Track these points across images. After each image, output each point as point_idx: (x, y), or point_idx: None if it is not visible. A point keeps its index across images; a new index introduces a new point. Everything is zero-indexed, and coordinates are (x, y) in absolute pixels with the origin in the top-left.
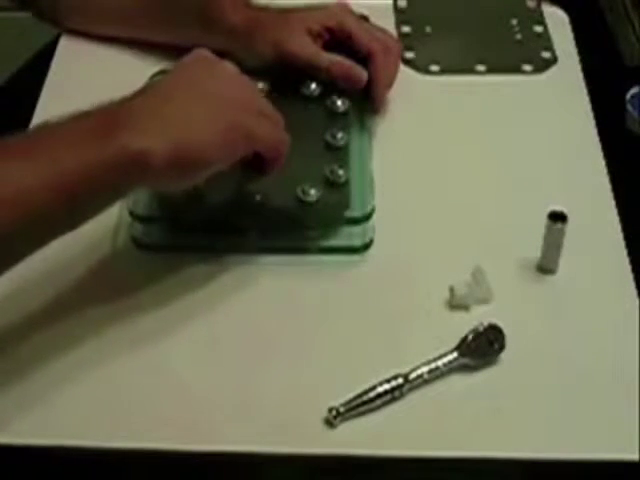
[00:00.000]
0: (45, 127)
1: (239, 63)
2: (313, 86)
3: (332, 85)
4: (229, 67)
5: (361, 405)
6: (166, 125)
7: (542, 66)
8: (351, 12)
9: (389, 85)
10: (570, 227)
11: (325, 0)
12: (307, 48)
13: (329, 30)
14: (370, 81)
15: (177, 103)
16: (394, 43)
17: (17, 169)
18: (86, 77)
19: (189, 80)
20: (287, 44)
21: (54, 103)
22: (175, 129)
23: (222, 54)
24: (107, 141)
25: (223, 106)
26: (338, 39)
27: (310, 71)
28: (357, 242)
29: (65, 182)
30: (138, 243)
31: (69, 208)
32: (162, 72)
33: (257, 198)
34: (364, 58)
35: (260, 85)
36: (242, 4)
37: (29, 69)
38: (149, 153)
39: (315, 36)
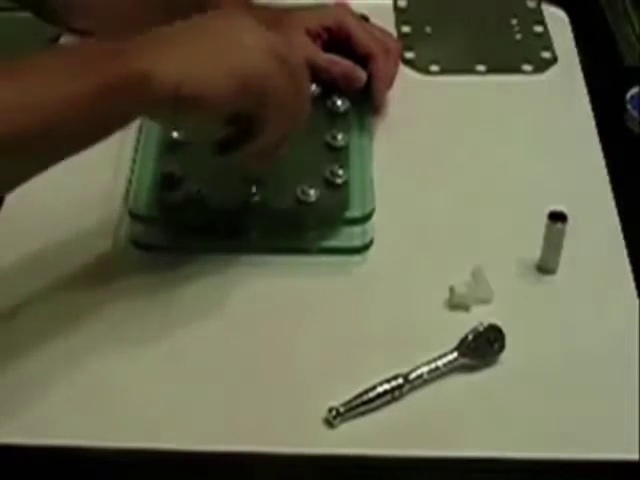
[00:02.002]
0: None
1: None
2: (313, 87)
3: (332, 85)
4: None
5: (361, 405)
6: (173, 55)
7: (542, 66)
8: (351, 12)
9: (389, 85)
10: (570, 227)
11: (325, 0)
12: (306, 48)
13: (328, 30)
14: (370, 81)
15: (187, 37)
16: (394, 43)
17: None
18: None
19: (204, 22)
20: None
21: None
22: (181, 60)
23: None
24: (110, 60)
25: (234, 48)
26: (337, 39)
27: (309, 71)
28: (357, 242)
29: (61, 99)
30: (138, 243)
31: (65, 126)
32: None
33: (257, 198)
34: (363, 58)
35: None
36: (241, 3)
37: None
38: (150, 75)
39: (314, 36)
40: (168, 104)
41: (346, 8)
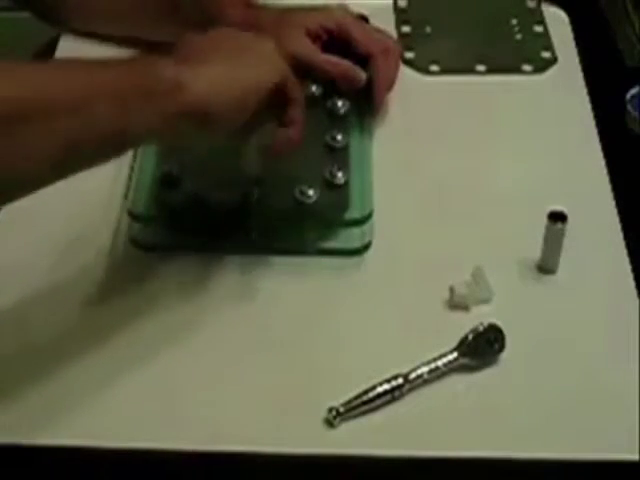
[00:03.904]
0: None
1: None
2: (313, 88)
3: (332, 87)
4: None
5: (361, 405)
6: (207, 73)
7: (542, 66)
8: (351, 14)
9: (389, 87)
10: (570, 227)
11: (325, 2)
12: (306, 48)
13: (328, 31)
14: (370, 83)
15: (220, 57)
16: (394, 45)
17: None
18: None
19: (234, 43)
20: (287, 44)
21: None
22: (214, 78)
23: None
24: (144, 67)
25: (258, 66)
26: (337, 41)
27: (309, 71)
28: (356, 244)
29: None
30: (137, 243)
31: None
32: None
33: (256, 199)
34: (364, 59)
35: None
36: (241, 3)
37: None
38: (183, 85)
39: (314, 37)
40: (195, 118)
41: (346, 10)
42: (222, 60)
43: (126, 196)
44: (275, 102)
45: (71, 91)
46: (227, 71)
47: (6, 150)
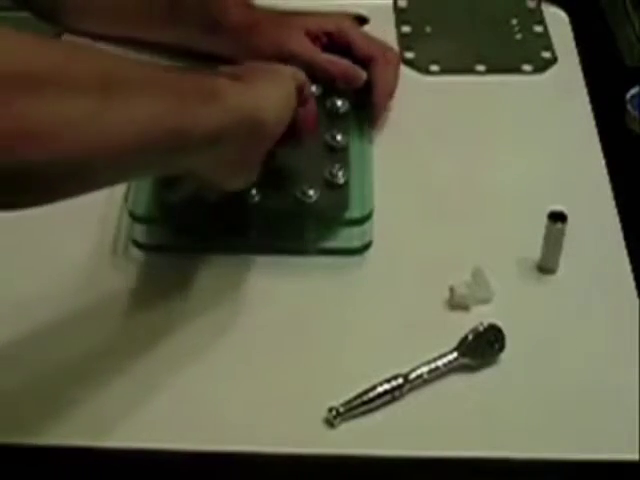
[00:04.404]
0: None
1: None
2: (313, 88)
3: (332, 86)
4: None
5: (361, 405)
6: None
7: (542, 66)
8: (351, 20)
9: (390, 93)
10: (570, 227)
11: (326, 3)
12: (306, 48)
13: (327, 35)
14: (370, 87)
15: (262, 81)
16: (394, 52)
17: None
18: None
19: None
20: (287, 44)
21: None
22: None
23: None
24: (199, 75)
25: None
26: (337, 45)
27: (309, 71)
28: (356, 243)
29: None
30: (138, 243)
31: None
32: None
33: (257, 199)
34: (364, 62)
35: None
36: (242, 4)
37: None
38: (241, 92)
39: (314, 39)
40: (252, 125)
41: (347, 16)
42: (261, 80)
43: (126, 197)
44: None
45: (140, 73)
46: (269, 87)
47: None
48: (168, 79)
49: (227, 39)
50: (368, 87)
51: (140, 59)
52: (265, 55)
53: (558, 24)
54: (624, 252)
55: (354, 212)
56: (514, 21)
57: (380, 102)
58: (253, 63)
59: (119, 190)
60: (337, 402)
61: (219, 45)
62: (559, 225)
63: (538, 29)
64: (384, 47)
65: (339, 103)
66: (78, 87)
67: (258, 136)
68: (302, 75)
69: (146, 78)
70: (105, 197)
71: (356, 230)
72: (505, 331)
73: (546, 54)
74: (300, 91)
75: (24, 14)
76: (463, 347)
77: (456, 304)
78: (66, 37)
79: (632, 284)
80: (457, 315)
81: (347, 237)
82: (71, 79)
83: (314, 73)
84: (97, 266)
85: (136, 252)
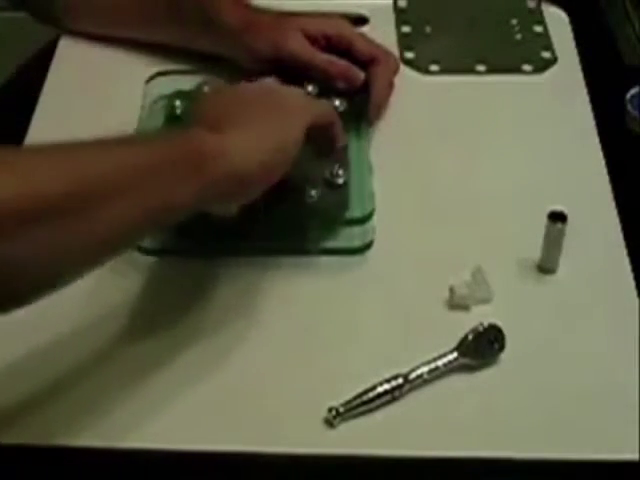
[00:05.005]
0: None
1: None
2: (310, 87)
3: (330, 86)
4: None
5: (361, 405)
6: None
7: (542, 66)
8: (349, 24)
9: (388, 94)
10: (570, 227)
11: (325, 4)
12: (305, 48)
13: (326, 37)
14: (369, 88)
15: (255, 122)
16: (393, 56)
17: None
18: (86, 77)
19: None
20: (285, 44)
21: (54, 103)
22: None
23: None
24: (180, 141)
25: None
26: (334, 46)
27: (307, 71)
28: (357, 243)
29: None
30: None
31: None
32: (160, 74)
33: (258, 200)
34: (364, 63)
35: None
36: (240, 5)
37: (29, 69)
38: (218, 154)
39: (312, 40)
40: (231, 186)
41: (343, 18)
42: (252, 122)
43: None
44: (315, 138)
45: (115, 175)
46: (259, 134)
47: (58, 244)
48: (142, 165)
49: (225, 39)
50: (366, 87)
51: (135, 60)
52: (263, 56)
53: (558, 24)
54: (624, 252)
55: (355, 212)
56: (514, 21)
57: (378, 102)
58: (272, 87)
59: None
60: (337, 402)
61: (217, 45)
62: (559, 225)
63: (538, 29)
64: (383, 49)
65: (337, 103)
66: (55, 211)
67: (243, 190)
68: (330, 114)
69: (119, 178)
70: None
71: (357, 230)
72: (505, 331)
73: (546, 54)
74: (323, 127)
75: (21, 14)
76: (463, 347)
77: (456, 304)
78: (66, 37)
79: (632, 284)
80: (457, 315)
81: (348, 237)
82: (48, 205)
83: (312, 73)
84: (99, 270)
85: (138, 256)
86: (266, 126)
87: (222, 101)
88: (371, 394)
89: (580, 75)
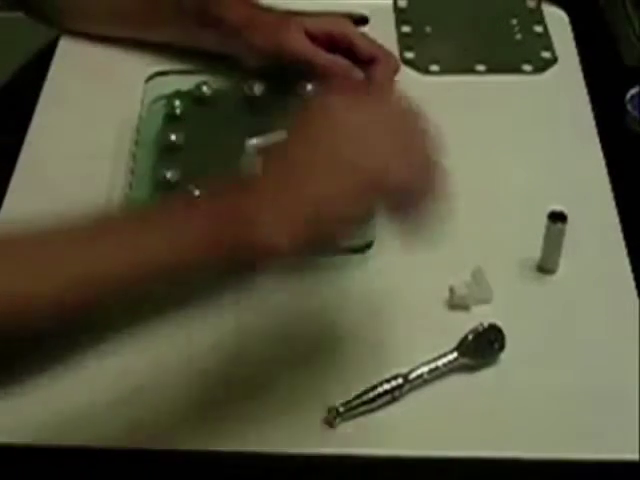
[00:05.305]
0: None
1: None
2: (309, 87)
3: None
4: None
5: (361, 405)
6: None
7: (542, 66)
8: (351, 24)
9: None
10: (570, 227)
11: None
12: (306, 47)
13: (328, 36)
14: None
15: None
16: (394, 57)
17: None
18: (85, 77)
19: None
20: (286, 42)
21: (54, 103)
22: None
23: None
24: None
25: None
26: (337, 47)
27: (308, 70)
28: (358, 242)
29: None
30: None
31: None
32: (159, 74)
33: None
34: (365, 62)
35: (257, 86)
36: (244, 3)
37: (29, 69)
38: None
39: (313, 39)
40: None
41: (344, 17)
42: (304, 195)
43: (125, 200)
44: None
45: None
46: (312, 210)
47: None
48: (152, 245)
49: (227, 37)
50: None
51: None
52: (264, 54)
53: (558, 24)
54: (624, 252)
55: None
56: (514, 21)
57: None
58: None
59: (118, 193)
60: (337, 402)
61: (220, 43)
62: (559, 225)
63: (538, 29)
64: (384, 49)
65: None
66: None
67: (256, 259)
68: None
69: (131, 266)
70: (104, 200)
71: (357, 229)
72: (505, 331)
73: (546, 54)
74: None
75: (19, 15)
76: (463, 347)
77: (456, 304)
78: (65, 37)
79: (632, 284)
80: (457, 315)
81: None
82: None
83: (314, 71)
84: None
85: None
86: (322, 194)
87: (282, 162)
88: (371, 394)
89: (580, 75)
